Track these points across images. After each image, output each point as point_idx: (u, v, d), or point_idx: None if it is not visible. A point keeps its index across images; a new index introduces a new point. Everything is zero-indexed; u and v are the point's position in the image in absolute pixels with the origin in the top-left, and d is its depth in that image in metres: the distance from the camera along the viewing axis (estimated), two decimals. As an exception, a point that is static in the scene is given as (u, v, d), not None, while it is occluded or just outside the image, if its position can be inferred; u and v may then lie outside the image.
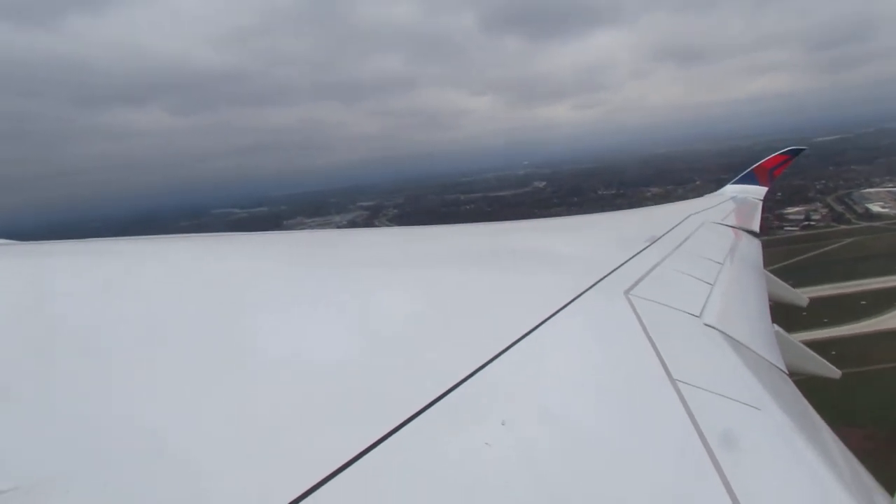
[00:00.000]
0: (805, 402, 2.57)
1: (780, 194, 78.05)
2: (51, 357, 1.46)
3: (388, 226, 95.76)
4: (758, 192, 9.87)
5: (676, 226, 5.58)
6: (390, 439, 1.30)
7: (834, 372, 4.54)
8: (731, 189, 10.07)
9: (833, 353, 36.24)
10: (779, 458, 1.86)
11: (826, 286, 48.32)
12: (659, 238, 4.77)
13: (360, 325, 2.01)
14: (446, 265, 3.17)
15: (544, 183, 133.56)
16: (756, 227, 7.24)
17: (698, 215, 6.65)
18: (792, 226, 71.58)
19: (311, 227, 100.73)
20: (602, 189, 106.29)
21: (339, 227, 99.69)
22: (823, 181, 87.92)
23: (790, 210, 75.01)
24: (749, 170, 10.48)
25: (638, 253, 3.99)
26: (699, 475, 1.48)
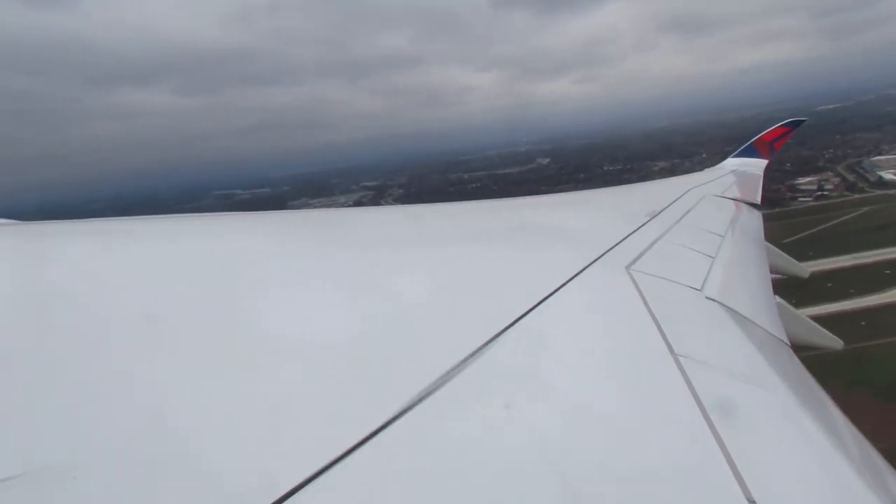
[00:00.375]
0: (808, 375, 2.55)
1: (789, 165, 77.60)
2: (54, 343, 1.42)
3: (391, 205, 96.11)
4: (758, 164, 9.81)
5: (677, 200, 5.55)
6: (395, 423, 1.30)
7: (836, 343, 4.57)
8: (731, 162, 10.02)
9: (863, 323, 36.43)
10: (783, 433, 1.85)
11: (847, 256, 48.10)
12: (659, 212, 4.74)
13: (356, 304, 1.98)
14: (445, 243, 3.13)
15: (548, 160, 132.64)
16: (757, 200, 7.22)
17: (699, 189, 6.61)
18: (805, 196, 70.93)
19: (315, 207, 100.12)
20: (608, 164, 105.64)
21: (341, 205, 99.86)
22: (831, 150, 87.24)
23: (802, 181, 74.30)
24: (749, 143, 10.42)
25: (638, 228, 3.97)
26: (702, 451, 1.48)
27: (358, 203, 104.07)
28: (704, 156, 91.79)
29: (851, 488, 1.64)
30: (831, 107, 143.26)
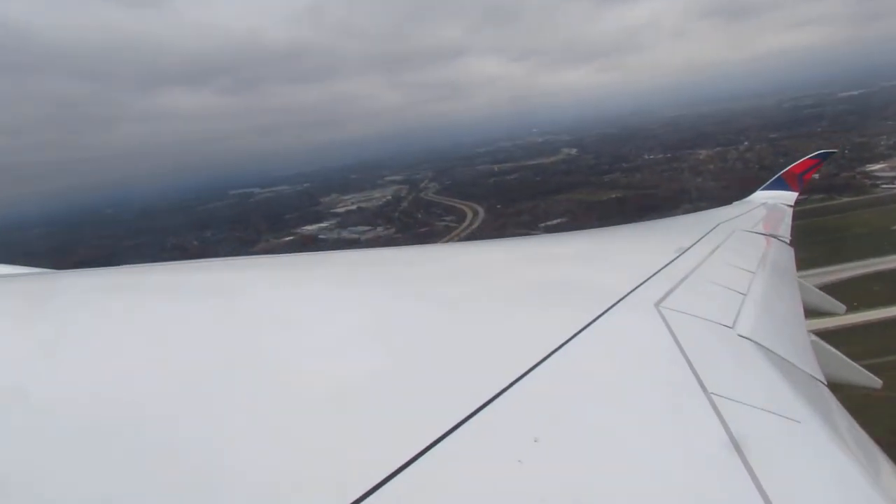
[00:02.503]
0: (845, 412, 2.52)
1: (847, 150, 76.55)
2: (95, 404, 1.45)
3: (433, 199, 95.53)
4: (788, 197, 9.62)
5: (706, 235, 5.50)
6: (422, 458, 1.30)
7: (875, 382, 4.47)
8: (760, 195, 9.76)
9: None
10: (819, 472, 1.85)
11: None
12: (688, 248, 4.69)
13: (386, 342, 2.04)
14: (475, 282, 3.18)
15: (574, 150, 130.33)
16: (787, 235, 7.04)
17: (728, 223, 6.53)
18: (888, 183, 66.43)
19: (348, 204, 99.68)
20: (647, 154, 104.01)
21: (380, 202, 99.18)
22: (885, 136, 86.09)
23: (873, 167, 70.57)
24: (778, 175, 10.19)
25: (668, 264, 3.94)
26: (737, 490, 1.47)
27: (396, 196, 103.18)
28: (747, 144, 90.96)
29: None
30: (855, 93, 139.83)
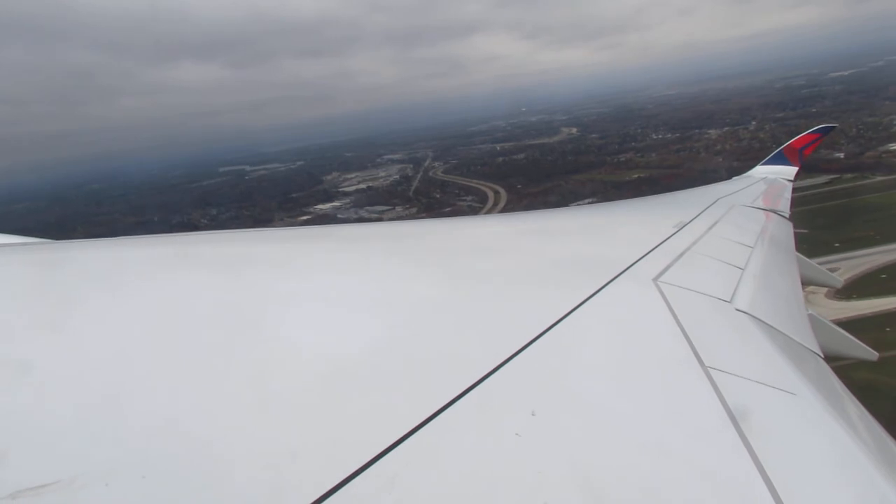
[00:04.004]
0: (842, 386, 2.55)
1: (860, 129, 77.01)
2: (89, 361, 1.50)
3: (445, 178, 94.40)
4: (788, 172, 9.60)
5: (705, 210, 5.50)
6: (420, 431, 1.32)
7: (871, 354, 4.54)
8: (760, 170, 9.75)
9: None
10: (815, 444, 1.88)
11: None
12: (688, 223, 4.70)
13: (384, 318, 2.05)
14: (473, 256, 3.18)
15: (575, 129, 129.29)
16: (787, 209, 7.06)
17: (728, 198, 6.54)
18: None
19: (355, 182, 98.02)
20: (654, 133, 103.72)
21: (387, 181, 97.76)
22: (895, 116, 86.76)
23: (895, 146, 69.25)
24: (778, 150, 10.16)
25: (666, 239, 3.96)
26: (733, 462, 1.49)
27: (403, 175, 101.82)
28: (755, 123, 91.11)
29: (883, 495, 1.67)
30: (846, 73, 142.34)
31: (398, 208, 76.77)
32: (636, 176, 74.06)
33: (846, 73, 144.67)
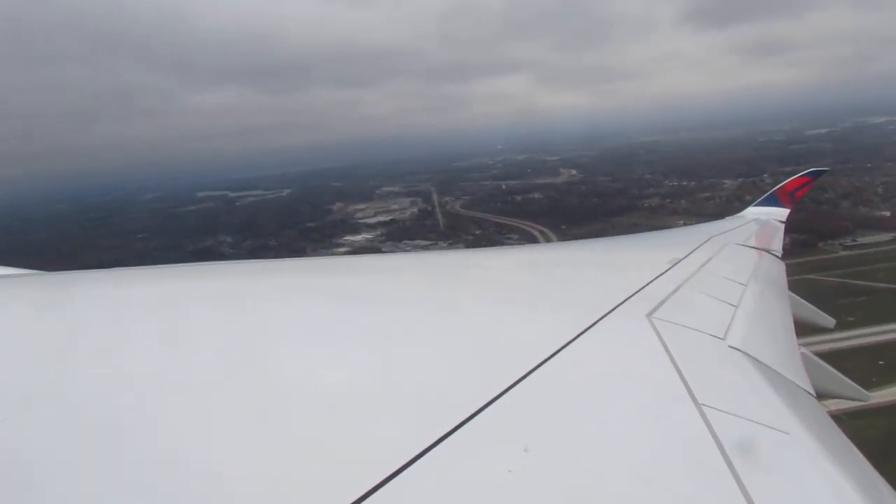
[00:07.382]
0: (834, 425, 2.53)
1: (881, 188, 79.34)
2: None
3: (466, 213, 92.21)
4: (780, 213, 9.63)
5: (699, 247, 5.49)
6: (412, 466, 1.30)
7: (863, 395, 4.50)
8: (752, 211, 9.79)
9: None
10: (808, 483, 1.88)
11: None
12: (682, 259, 4.67)
13: (374, 352, 2.03)
14: (464, 290, 3.18)
15: (573, 170, 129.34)
16: (779, 249, 7.10)
17: (721, 237, 6.56)
18: None
19: (369, 213, 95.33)
20: (666, 180, 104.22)
21: (404, 214, 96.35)
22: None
23: None
24: (770, 192, 10.22)
25: (660, 275, 3.92)
26: (726, 501, 1.49)
27: (422, 210, 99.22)
28: (767, 175, 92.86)
29: None
30: (823, 131, 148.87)
31: (441, 243, 74.14)
32: (681, 222, 73.49)
33: (822, 132, 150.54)
